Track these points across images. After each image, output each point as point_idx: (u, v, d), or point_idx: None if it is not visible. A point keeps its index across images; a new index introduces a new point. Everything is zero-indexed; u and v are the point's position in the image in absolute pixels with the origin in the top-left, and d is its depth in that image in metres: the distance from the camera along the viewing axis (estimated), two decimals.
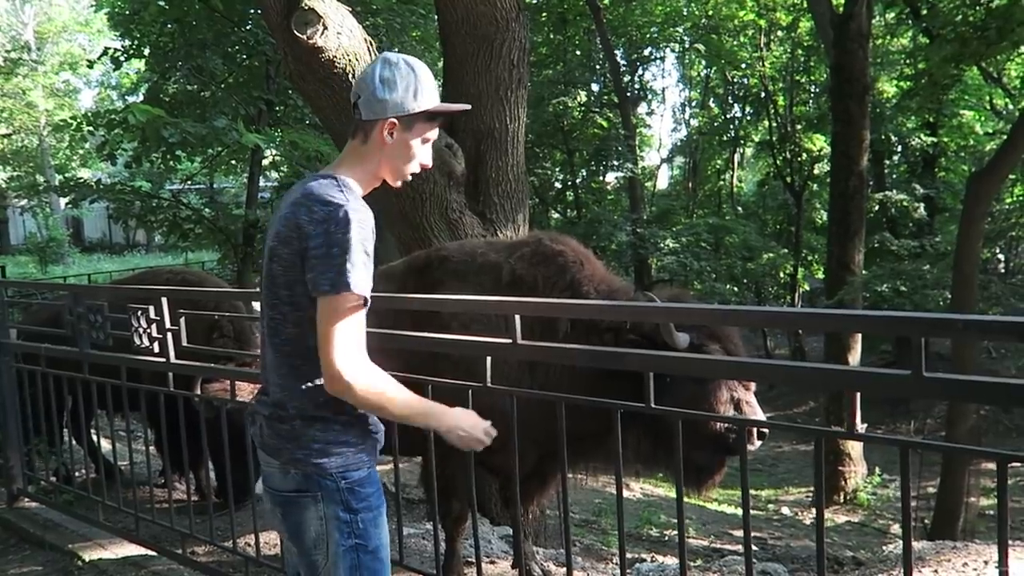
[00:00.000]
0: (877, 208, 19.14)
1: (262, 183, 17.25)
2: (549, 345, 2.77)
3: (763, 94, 24.46)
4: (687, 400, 2.74)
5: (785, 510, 12.62)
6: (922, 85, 13.94)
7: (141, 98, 16.89)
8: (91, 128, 12.02)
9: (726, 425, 2.94)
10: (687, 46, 26.28)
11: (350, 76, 4.48)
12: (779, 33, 24.30)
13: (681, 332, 2.94)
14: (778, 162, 24.09)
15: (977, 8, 11.26)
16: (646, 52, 26.05)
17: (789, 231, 24.80)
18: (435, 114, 2.03)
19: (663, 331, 2.89)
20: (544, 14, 22.14)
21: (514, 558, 3.69)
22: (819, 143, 22.15)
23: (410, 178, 2.10)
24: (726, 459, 3.13)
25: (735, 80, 26.38)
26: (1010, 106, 19.59)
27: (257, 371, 2.90)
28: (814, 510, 2.59)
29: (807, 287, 24.62)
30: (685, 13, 24.96)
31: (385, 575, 2.03)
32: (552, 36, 22.76)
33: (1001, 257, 23.80)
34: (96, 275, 23.97)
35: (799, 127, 23.52)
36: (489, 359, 2.64)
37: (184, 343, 3.53)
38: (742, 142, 27.90)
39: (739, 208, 27.55)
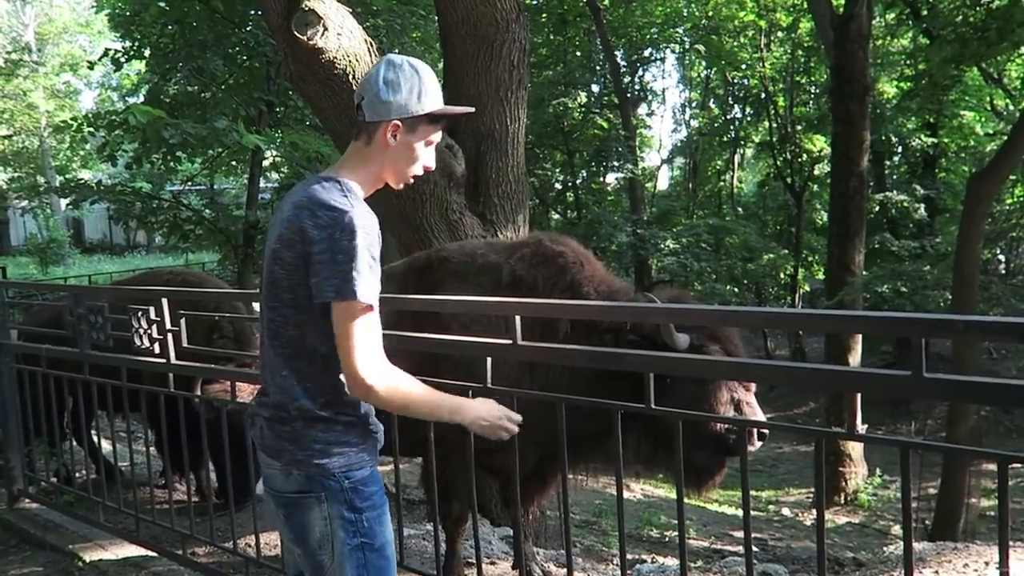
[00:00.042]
0: (877, 209, 19.14)
1: (262, 184, 17.25)
2: (549, 346, 2.78)
3: (763, 95, 24.46)
4: (687, 401, 2.74)
5: (786, 511, 12.61)
6: (922, 86, 13.95)
7: (142, 99, 16.92)
8: (92, 129, 12.01)
9: (726, 426, 2.94)
10: (687, 47, 26.28)
11: (350, 77, 4.49)
12: (779, 34, 24.30)
13: (681, 333, 2.94)
14: (778, 163, 24.09)
15: (977, 9, 11.26)
16: (646, 53, 26.06)
17: (789, 232, 24.80)
18: (439, 116, 2.03)
19: (663, 332, 2.89)
20: (544, 15, 22.14)
21: (514, 559, 3.69)
22: (819, 144, 22.15)
23: (412, 181, 2.10)
24: (726, 460, 3.13)
25: (735, 81, 26.38)
26: (1010, 107, 19.58)
27: (257, 372, 2.90)
28: (815, 511, 2.59)
29: (807, 288, 24.62)
30: (685, 14, 24.97)
31: (392, 572, 2.04)
32: (552, 37, 22.76)
33: (1002, 258, 23.80)
34: (97, 276, 23.98)
35: (799, 128, 23.52)
36: (489, 360, 2.65)
37: (184, 344, 3.53)
38: (742, 143, 27.91)
39: (739, 209, 27.55)
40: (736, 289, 22.18)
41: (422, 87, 1.97)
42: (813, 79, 24.02)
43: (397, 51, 11.76)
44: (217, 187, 24.01)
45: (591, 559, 5.26)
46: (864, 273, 14.62)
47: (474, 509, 2.92)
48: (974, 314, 9.64)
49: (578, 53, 23.75)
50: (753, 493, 12.41)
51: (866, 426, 2.34)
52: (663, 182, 32.57)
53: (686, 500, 2.49)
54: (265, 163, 16.21)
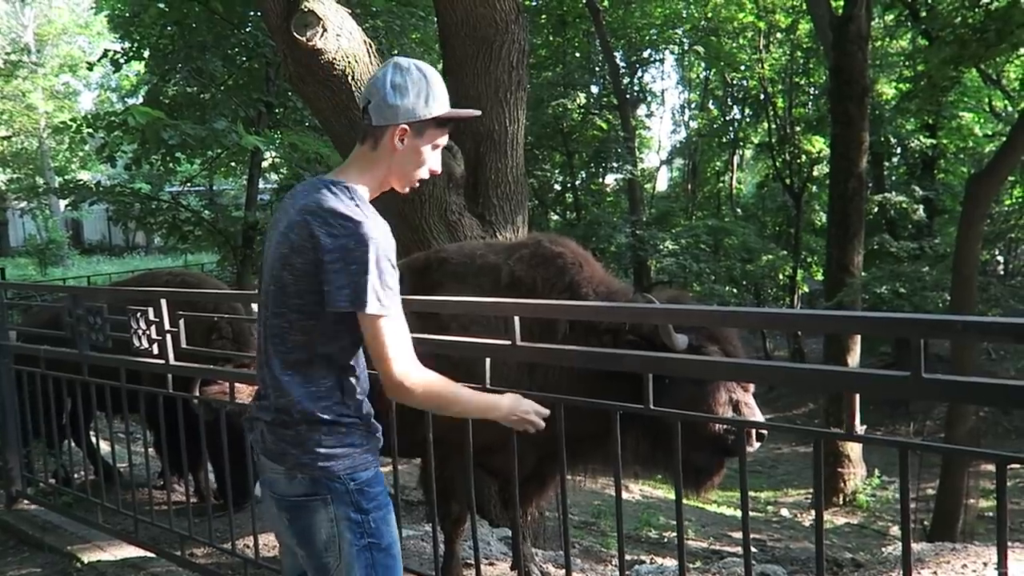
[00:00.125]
0: (876, 210, 19.14)
1: (262, 185, 17.23)
2: (548, 347, 2.78)
3: (762, 96, 24.48)
4: (686, 401, 2.74)
5: (784, 512, 12.61)
6: (921, 87, 13.97)
7: (141, 100, 16.91)
8: (91, 130, 12.01)
9: (725, 426, 2.94)
10: (686, 48, 26.31)
11: (350, 78, 4.49)
12: (778, 35, 24.33)
13: (680, 333, 2.94)
14: (777, 164, 24.10)
15: (976, 10, 11.26)
16: (645, 54, 26.08)
17: (788, 233, 24.81)
18: (446, 120, 2.02)
19: (662, 332, 2.90)
20: (543, 16, 22.16)
21: (513, 560, 3.68)
22: (818, 145, 22.16)
23: (418, 184, 2.10)
24: (725, 460, 3.14)
25: (734, 82, 26.41)
26: (1009, 108, 19.62)
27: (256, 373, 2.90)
28: (813, 512, 2.59)
29: (806, 289, 24.65)
30: (684, 15, 24.99)
31: (398, 571, 2.04)
32: (551, 38, 22.77)
33: (1000, 259, 23.83)
34: (96, 277, 24.00)
35: (798, 129, 23.53)
36: (488, 360, 2.65)
37: (183, 345, 3.53)
38: (741, 144, 27.94)
39: (738, 210, 27.56)
40: (735, 290, 22.20)
41: (429, 91, 1.96)
42: (812, 80, 24.04)
43: (396, 52, 11.77)
44: (216, 188, 23.97)
45: (590, 560, 5.26)
46: (863, 274, 14.63)
47: (473, 510, 2.92)
48: (973, 315, 9.63)
49: (577, 54, 23.77)
50: (752, 494, 12.45)
51: (865, 427, 2.34)
52: (662, 183, 32.64)
53: (685, 501, 2.49)
54: (264, 164, 16.21)
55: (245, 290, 7.83)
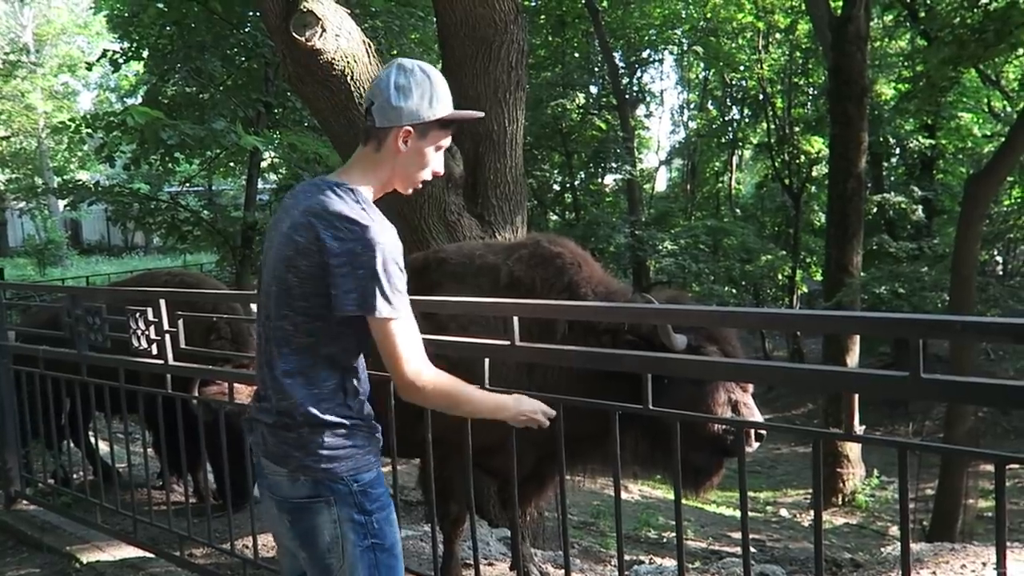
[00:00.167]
0: (875, 210, 19.15)
1: (261, 185, 17.23)
2: (547, 347, 2.78)
3: (761, 96, 24.48)
4: (685, 402, 2.74)
5: (783, 512, 12.62)
6: (920, 87, 13.97)
7: (140, 100, 16.90)
8: (90, 130, 12.02)
9: (724, 426, 2.94)
10: (685, 48, 26.34)
11: (348, 78, 4.49)
12: (777, 35, 24.34)
13: (679, 334, 2.94)
14: (776, 164, 24.11)
15: (975, 10, 11.27)
16: (644, 54, 26.09)
17: (787, 233, 24.82)
18: (450, 121, 2.02)
19: (661, 333, 2.90)
20: (542, 16, 22.16)
21: (512, 560, 3.68)
22: (817, 145, 22.17)
23: (421, 186, 2.10)
24: (724, 460, 3.14)
25: (733, 82, 26.42)
26: (1008, 108, 19.62)
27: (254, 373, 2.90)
28: (812, 512, 2.59)
29: (805, 289, 24.64)
30: (683, 15, 24.99)
31: (401, 570, 2.06)
32: (550, 38, 22.78)
33: (999, 259, 23.84)
34: (94, 277, 24.00)
35: (797, 129, 23.55)
36: (487, 361, 2.65)
37: (182, 345, 3.53)
38: (740, 144, 27.94)
39: (737, 210, 27.58)
40: (734, 290, 22.20)
41: (433, 92, 1.96)
42: (811, 81, 24.05)
43: (395, 52, 11.77)
44: (215, 188, 23.97)
45: (589, 560, 5.26)
46: (862, 274, 14.63)
47: (472, 510, 2.92)
48: (972, 315, 9.64)
49: (576, 54, 23.78)
50: (751, 494, 12.45)
51: (864, 427, 2.35)
52: (661, 183, 32.66)
53: (684, 501, 2.49)
54: (263, 164, 16.21)
55: (244, 290, 7.83)
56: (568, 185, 23.78)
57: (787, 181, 23.81)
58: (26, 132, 32.87)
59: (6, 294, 5.07)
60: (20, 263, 30.05)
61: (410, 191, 2.10)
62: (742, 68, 25.04)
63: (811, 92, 24.33)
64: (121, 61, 14.43)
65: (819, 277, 20.73)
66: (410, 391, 1.95)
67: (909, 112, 16.66)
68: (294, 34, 4.32)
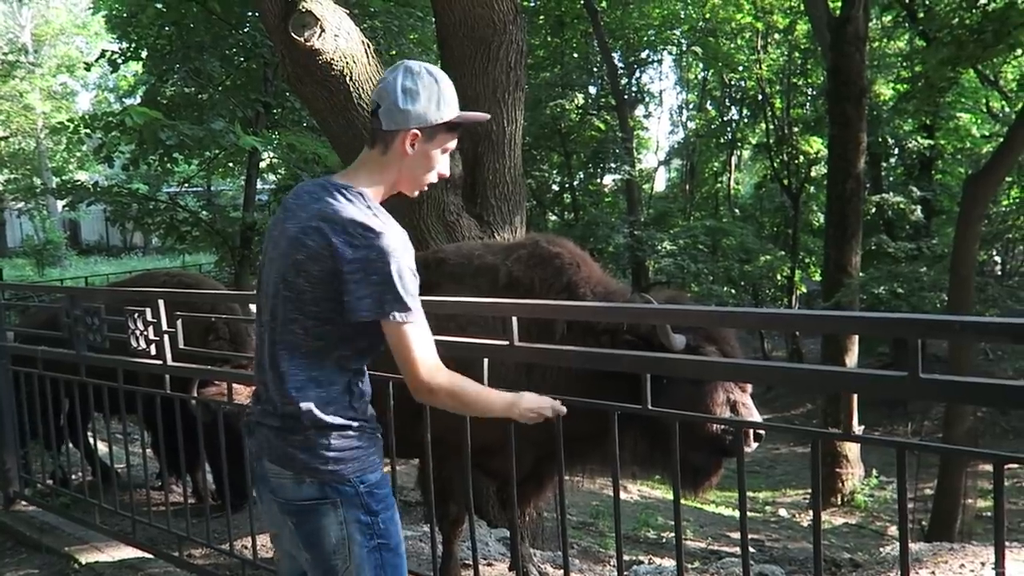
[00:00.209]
0: (874, 210, 19.16)
1: (259, 186, 17.23)
2: (546, 347, 2.78)
3: (760, 97, 24.50)
4: (684, 402, 2.74)
5: (782, 512, 12.61)
6: (919, 88, 13.98)
7: (138, 100, 16.88)
8: (88, 130, 12.00)
9: (723, 426, 2.94)
10: (684, 49, 26.35)
11: (347, 78, 4.48)
12: (776, 36, 24.35)
13: (677, 334, 2.94)
14: (775, 165, 24.12)
15: (973, 11, 11.28)
16: (643, 55, 26.10)
17: (786, 233, 24.83)
18: (457, 124, 2.02)
19: (660, 333, 2.90)
20: (541, 17, 22.16)
21: (511, 560, 3.68)
22: (816, 146, 22.19)
23: (427, 188, 2.10)
24: (723, 460, 3.14)
25: (732, 83, 26.43)
26: (1006, 109, 19.63)
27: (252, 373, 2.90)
28: (811, 512, 2.59)
29: (804, 289, 24.66)
30: (682, 16, 24.98)
31: (404, 569, 2.07)
32: (549, 39, 22.79)
33: (998, 259, 23.87)
34: (93, 277, 23.98)
35: (796, 130, 23.56)
36: (486, 361, 2.64)
37: (181, 345, 3.53)
38: (739, 144, 27.95)
39: (736, 210, 27.59)
40: (733, 290, 22.20)
41: (440, 95, 1.96)
42: (810, 81, 24.07)
43: (395, 53, 11.77)
44: (214, 189, 23.97)
45: (588, 560, 5.26)
46: (861, 274, 14.63)
47: (471, 510, 2.92)
48: (970, 315, 9.64)
49: (575, 55, 23.78)
50: (750, 494, 12.44)
51: (862, 427, 2.35)
52: (660, 184, 32.65)
53: (683, 501, 2.49)
54: (262, 165, 16.20)
55: (243, 291, 7.83)
56: (567, 185, 23.79)
57: (786, 181, 23.82)
58: (25, 132, 32.86)
59: (5, 294, 5.07)
60: (19, 263, 30.04)
61: (415, 193, 2.10)
62: (741, 68, 25.05)
63: (810, 92, 24.35)
64: (120, 61, 14.40)
65: (818, 277, 20.75)
66: (425, 393, 1.96)
67: (908, 112, 16.68)
68: (293, 34, 4.32)
